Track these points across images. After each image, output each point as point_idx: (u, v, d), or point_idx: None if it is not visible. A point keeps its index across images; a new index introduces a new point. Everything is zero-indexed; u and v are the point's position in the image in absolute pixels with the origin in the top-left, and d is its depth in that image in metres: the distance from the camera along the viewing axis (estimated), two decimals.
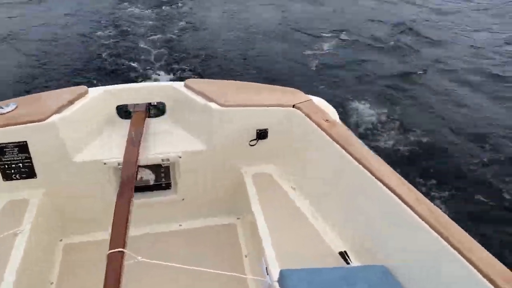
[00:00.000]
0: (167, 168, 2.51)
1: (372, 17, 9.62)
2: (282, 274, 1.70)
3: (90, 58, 7.59)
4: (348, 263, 1.98)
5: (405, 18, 9.43)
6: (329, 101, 2.63)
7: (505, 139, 5.26)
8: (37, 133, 2.19)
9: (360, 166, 1.99)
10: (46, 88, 6.15)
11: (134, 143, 2.32)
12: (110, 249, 1.65)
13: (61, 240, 2.52)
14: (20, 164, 2.25)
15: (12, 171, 2.26)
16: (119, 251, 1.64)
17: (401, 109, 5.95)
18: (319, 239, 2.15)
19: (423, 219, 1.65)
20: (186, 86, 2.56)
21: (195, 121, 2.49)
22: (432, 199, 4.15)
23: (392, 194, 1.80)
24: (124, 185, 2.05)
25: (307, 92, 2.63)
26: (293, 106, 2.41)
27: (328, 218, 2.24)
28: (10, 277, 1.84)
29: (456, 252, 1.51)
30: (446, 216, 1.66)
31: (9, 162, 2.23)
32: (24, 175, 2.29)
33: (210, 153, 2.44)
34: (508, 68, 7.13)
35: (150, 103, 2.68)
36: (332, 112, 2.55)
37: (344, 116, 5.33)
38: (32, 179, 2.30)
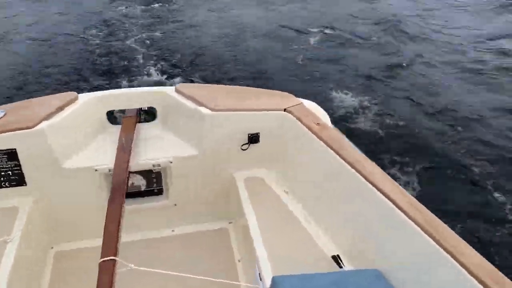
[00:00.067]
0: (159, 173, 2.50)
1: (355, 14, 10.01)
2: (274, 281, 1.69)
3: (79, 60, 7.52)
4: (341, 267, 1.98)
5: (386, 14, 9.85)
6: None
7: (473, 122, 5.74)
8: (26, 140, 2.17)
9: (352, 169, 2.00)
10: (35, 93, 6.10)
11: (124, 149, 2.31)
12: (102, 258, 1.64)
13: (52, 248, 2.49)
14: (10, 172, 2.22)
15: (1, 179, 2.24)
16: (111, 259, 1.63)
17: (380, 97, 6.37)
18: (312, 243, 2.15)
19: (415, 223, 1.66)
20: (177, 91, 2.55)
21: (186, 126, 2.48)
22: (404, 174, 4.68)
23: (385, 198, 1.81)
24: (115, 191, 2.04)
25: (297, 94, 2.63)
26: (285, 110, 2.42)
27: (321, 222, 2.24)
28: (0, 286, 1.82)
29: (449, 256, 1.51)
30: (438, 220, 1.67)
31: None
32: (14, 183, 2.26)
33: (202, 158, 2.43)
34: (480, 61, 7.63)
35: (141, 108, 2.66)
36: (323, 115, 2.56)
37: (327, 104, 5.75)
38: (22, 187, 2.28)
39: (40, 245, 2.40)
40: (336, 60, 7.62)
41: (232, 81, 6.87)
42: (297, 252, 2.10)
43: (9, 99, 4.20)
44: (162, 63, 7.48)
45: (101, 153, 2.38)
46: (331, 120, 2.60)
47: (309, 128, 2.28)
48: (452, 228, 1.64)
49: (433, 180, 4.67)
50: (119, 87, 6.53)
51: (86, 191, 2.36)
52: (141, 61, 7.57)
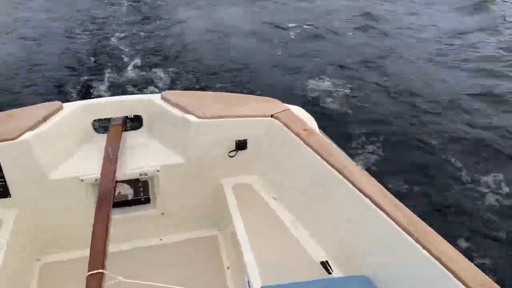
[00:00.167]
0: (146, 182, 2.48)
1: (335, 10, 10.60)
2: None
3: (61, 62, 7.46)
4: (330, 273, 2.00)
5: (364, 11, 10.40)
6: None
7: (446, 109, 6.25)
8: (10, 151, 2.13)
9: (340, 175, 2.01)
10: (16, 95, 5.98)
11: (111, 158, 2.28)
12: (89, 271, 1.62)
13: (38, 260, 2.45)
14: None
15: None
16: (98, 272, 1.61)
17: (358, 86, 6.91)
18: (301, 249, 2.15)
19: (403, 229, 1.67)
20: (163, 98, 2.53)
21: (172, 134, 2.47)
22: (373, 154, 4.89)
23: (372, 204, 1.82)
24: (102, 201, 2.02)
25: (285, 98, 2.64)
26: (272, 116, 2.42)
27: (309, 228, 2.24)
28: None
29: (437, 262, 1.53)
30: (427, 225, 1.68)
31: None
32: None
33: (189, 165, 2.42)
34: (451, 54, 8.21)
35: (127, 116, 2.64)
36: (310, 121, 2.57)
37: (307, 92, 6.57)
38: (6, 199, 2.24)
39: (26, 257, 2.36)
40: (315, 54, 8.15)
41: (215, 75, 7.13)
42: (286, 258, 2.11)
43: None
44: (147, 60, 7.64)
45: (87, 162, 2.35)
46: (317, 125, 2.63)
47: (297, 134, 2.29)
48: (430, 225, 1.68)
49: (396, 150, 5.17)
50: (101, 87, 6.55)
51: (72, 201, 2.33)
52: (126, 59, 7.63)
